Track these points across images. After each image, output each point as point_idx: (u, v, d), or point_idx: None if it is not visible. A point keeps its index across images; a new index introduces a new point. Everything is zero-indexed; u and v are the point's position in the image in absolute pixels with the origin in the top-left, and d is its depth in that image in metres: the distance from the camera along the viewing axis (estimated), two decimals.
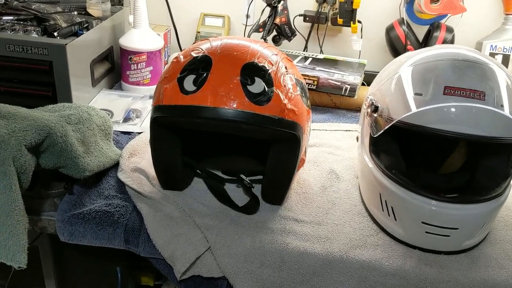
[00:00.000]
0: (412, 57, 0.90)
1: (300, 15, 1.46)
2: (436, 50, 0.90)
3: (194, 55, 0.85)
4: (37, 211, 0.92)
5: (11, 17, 1.23)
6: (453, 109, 0.78)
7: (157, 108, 0.85)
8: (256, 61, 0.83)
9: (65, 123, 0.88)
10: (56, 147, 0.84)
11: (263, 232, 0.87)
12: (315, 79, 1.31)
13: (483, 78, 0.81)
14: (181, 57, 0.88)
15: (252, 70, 0.82)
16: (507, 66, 1.36)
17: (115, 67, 1.38)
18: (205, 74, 0.81)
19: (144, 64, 1.32)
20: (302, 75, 0.96)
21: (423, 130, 0.80)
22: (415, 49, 1.31)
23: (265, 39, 1.39)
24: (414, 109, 0.81)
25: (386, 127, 0.85)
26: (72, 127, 0.90)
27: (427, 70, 0.85)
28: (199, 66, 0.83)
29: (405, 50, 1.36)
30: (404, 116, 0.81)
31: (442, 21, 1.40)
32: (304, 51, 1.53)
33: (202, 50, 0.86)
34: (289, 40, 1.44)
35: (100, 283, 1.09)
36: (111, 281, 1.07)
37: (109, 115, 1.16)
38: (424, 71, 0.85)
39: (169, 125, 0.87)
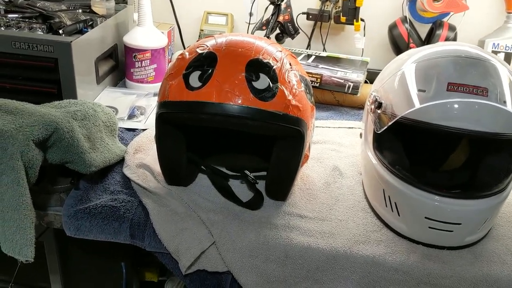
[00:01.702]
0: (415, 54, 0.91)
1: (303, 13, 1.47)
2: (439, 47, 0.91)
3: (199, 51, 0.86)
4: (44, 206, 0.92)
5: (16, 15, 1.24)
6: (456, 105, 0.79)
7: (162, 104, 0.86)
8: (261, 57, 0.84)
9: (72, 119, 0.89)
10: (63, 142, 0.85)
11: (267, 228, 0.88)
12: (318, 76, 1.31)
13: (485, 74, 0.82)
14: (187, 53, 0.88)
15: (257, 66, 0.83)
16: (509, 64, 1.37)
17: (119, 64, 1.39)
18: (210, 70, 0.82)
19: (148, 62, 1.33)
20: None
21: (426, 126, 0.80)
22: (418, 47, 1.32)
23: (268, 37, 1.40)
24: (417, 105, 0.81)
25: (390, 123, 0.86)
26: (78, 123, 0.90)
27: (430, 66, 0.86)
28: (204, 63, 0.84)
29: (407, 48, 1.37)
30: (407, 112, 0.82)
31: (445, 19, 1.40)
32: (307, 49, 1.54)
33: (207, 46, 0.87)
34: (292, 38, 1.45)
35: (105, 278, 1.10)
36: (115, 276, 1.08)
37: (113, 112, 1.17)
38: (427, 68, 0.86)
39: (174, 121, 0.88)
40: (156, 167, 0.97)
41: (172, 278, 1.20)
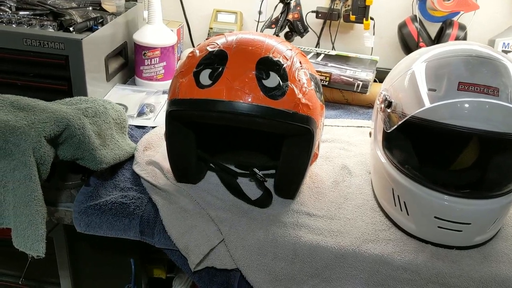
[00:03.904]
0: (426, 53, 0.90)
1: (312, 11, 1.47)
2: (449, 47, 0.91)
3: (210, 49, 0.86)
4: (54, 202, 0.93)
5: (28, 12, 1.25)
6: (466, 105, 0.79)
7: (173, 102, 0.86)
8: (271, 55, 0.84)
9: (83, 115, 0.89)
10: (74, 139, 0.85)
11: (276, 226, 0.88)
12: (327, 75, 1.31)
13: (496, 74, 0.81)
14: (197, 51, 0.89)
15: (267, 65, 0.83)
16: None
17: (129, 62, 1.39)
18: (220, 69, 0.82)
19: (157, 60, 1.33)
20: None
21: (436, 126, 0.80)
22: (427, 46, 1.31)
23: (277, 35, 1.40)
24: (427, 104, 0.81)
25: (400, 123, 0.85)
26: (89, 120, 0.91)
27: (441, 66, 0.85)
28: (214, 61, 0.84)
29: (417, 47, 1.36)
30: (417, 112, 0.82)
31: (455, 18, 1.40)
32: (316, 47, 1.54)
33: (218, 44, 0.87)
34: (302, 37, 1.45)
35: (114, 274, 1.10)
36: (124, 273, 1.08)
37: (123, 109, 1.18)
38: (438, 67, 0.86)
39: (184, 119, 0.88)
40: (166, 164, 0.97)
41: (180, 275, 1.21)
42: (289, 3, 1.39)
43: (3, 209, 0.80)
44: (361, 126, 1.25)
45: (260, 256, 0.84)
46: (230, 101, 0.80)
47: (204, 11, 1.59)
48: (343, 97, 1.37)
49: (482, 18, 1.43)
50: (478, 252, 0.86)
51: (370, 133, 1.04)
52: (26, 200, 0.77)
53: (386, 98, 0.91)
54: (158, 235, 0.88)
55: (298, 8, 1.40)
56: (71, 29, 1.18)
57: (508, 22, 1.43)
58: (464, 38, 1.36)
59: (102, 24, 1.25)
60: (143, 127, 1.17)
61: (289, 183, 0.93)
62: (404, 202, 0.87)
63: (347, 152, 1.13)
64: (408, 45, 1.39)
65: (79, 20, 1.22)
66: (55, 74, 1.13)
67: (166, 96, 1.29)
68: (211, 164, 1.01)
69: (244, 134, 1.05)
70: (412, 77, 0.87)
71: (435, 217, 0.84)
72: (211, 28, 1.54)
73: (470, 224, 0.83)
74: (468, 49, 0.87)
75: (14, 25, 1.17)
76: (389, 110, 0.89)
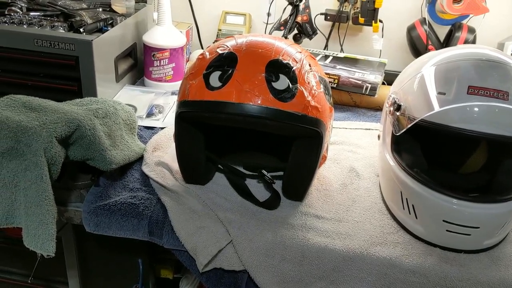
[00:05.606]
0: (435, 57, 0.90)
1: (321, 13, 1.47)
2: (459, 50, 0.90)
3: (220, 52, 0.87)
4: (64, 202, 0.94)
5: (38, 13, 1.26)
6: (476, 109, 0.79)
7: (182, 103, 0.87)
8: (280, 58, 0.85)
9: (93, 116, 0.90)
10: (84, 140, 0.86)
11: (284, 228, 0.89)
12: (336, 77, 1.32)
13: (506, 78, 0.81)
14: (207, 53, 0.89)
15: (277, 67, 0.83)
16: None
17: (138, 63, 1.40)
18: (230, 71, 0.83)
19: (166, 61, 1.34)
20: None
21: (445, 129, 0.80)
22: (436, 49, 1.31)
23: (286, 38, 1.40)
24: (437, 108, 0.81)
25: (409, 126, 0.85)
26: (99, 120, 0.92)
27: (450, 69, 0.85)
28: (224, 63, 0.84)
29: (426, 50, 1.36)
30: (427, 115, 0.82)
31: (464, 21, 1.39)
32: (324, 49, 1.54)
33: (228, 47, 0.87)
34: (310, 39, 1.45)
35: (122, 274, 1.11)
36: (131, 273, 1.09)
37: (132, 110, 1.18)
38: (447, 71, 0.86)
39: (194, 120, 0.89)
40: (174, 165, 0.98)
41: (187, 276, 1.21)
42: (298, 5, 1.39)
43: (14, 209, 0.81)
44: (369, 129, 1.25)
45: (268, 258, 0.85)
46: (239, 103, 0.81)
47: (213, 12, 1.60)
48: (351, 99, 1.37)
49: (492, 21, 1.43)
50: (487, 256, 0.86)
51: (378, 136, 1.04)
52: (37, 200, 0.78)
53: (395, 101, 0.91)
54: (167, 235, 0.89)
55: (307, 10, 1.40)
56: (81, 30, 1.19)
57: None
58: (473, 41, 1.35)
59: (112, 25, 1.26)
60: (152, 128, 1.17)
61: (298, 185, 0.94)
62: (413, 205, 0.87)
63: (355, 154, 1.13)
64: (417, 48, 1.39)
65: (89, 21, 1.23)
66: (65, 75, 1.14)
67: (174, 97, 1.30)
68: (219, 165, 1.01)
69: (253, 135, 1.05)
70: (421, 81, 0.87)
71: (444, 220, 0.84)
72: (220, 30, 1.54)
73: (478, 228, 0.83)
74: (478, 53, 0.87)
75: (25, 26, 1.18)
76: (398, 113, 0.90)
